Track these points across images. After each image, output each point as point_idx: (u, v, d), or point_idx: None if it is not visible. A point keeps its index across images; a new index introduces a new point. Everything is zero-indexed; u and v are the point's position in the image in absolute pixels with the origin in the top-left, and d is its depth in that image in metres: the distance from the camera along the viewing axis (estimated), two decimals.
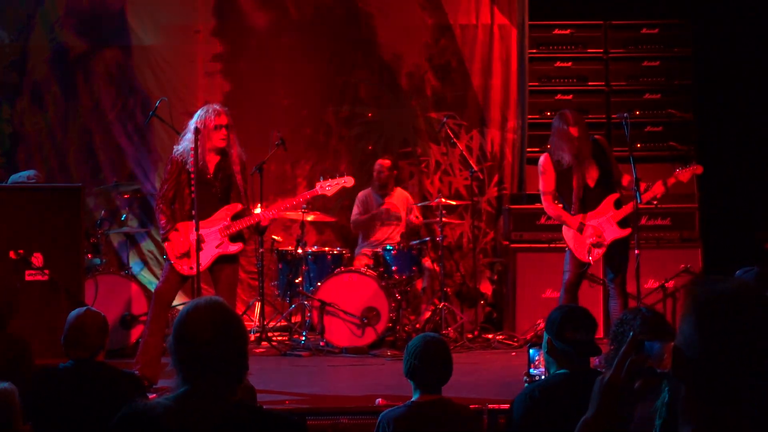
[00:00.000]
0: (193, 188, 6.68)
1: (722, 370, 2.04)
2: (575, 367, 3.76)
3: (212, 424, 2.61)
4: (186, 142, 6.83)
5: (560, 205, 7.43)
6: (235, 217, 6.85)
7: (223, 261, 6.87)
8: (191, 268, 6.81)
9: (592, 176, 7.31)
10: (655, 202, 8.88)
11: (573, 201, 7.30)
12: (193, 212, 6.61)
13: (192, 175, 6.69)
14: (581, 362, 3.78)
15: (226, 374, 2.67)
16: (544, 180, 7.35)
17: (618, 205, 7.32)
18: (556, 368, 3.81)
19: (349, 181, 7.25)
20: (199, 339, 2.67)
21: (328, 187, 7.19)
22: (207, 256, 6.77)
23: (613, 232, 7.27)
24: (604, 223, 7.28)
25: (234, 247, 6.86)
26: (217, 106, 6.88)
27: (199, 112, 6.87)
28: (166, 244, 6.89)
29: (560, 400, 3.65)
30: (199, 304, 2.75)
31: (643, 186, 7.22)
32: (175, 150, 6.94)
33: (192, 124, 6.79)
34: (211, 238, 6.78)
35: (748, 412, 2.04)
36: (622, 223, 7.31)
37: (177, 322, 2.72)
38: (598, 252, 7.25)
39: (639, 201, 7.22)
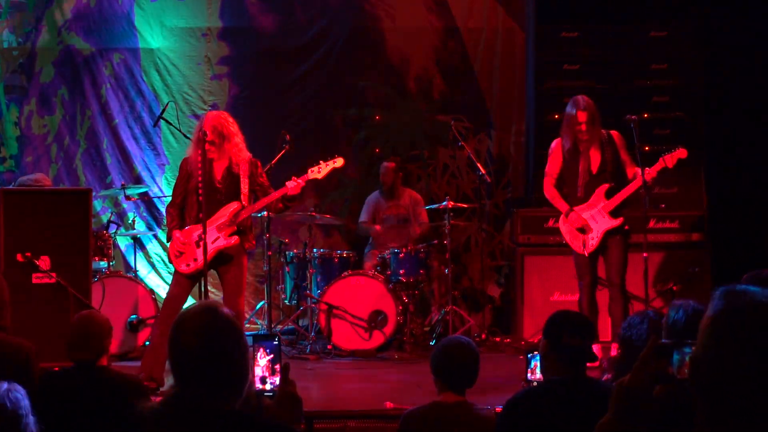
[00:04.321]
0: (200, 192, 6.72)
1: (743, 383, 2.00)
2: (570, 373, 3.73)
3: (192, 429, 2.59)
4: (189, 149, 6.99)
5: (557, 190, 7.58)
6: (235, 215, 6.86)
7: (227, 262, 6.87)
8: (188, 265, 6.88)
9: (595, 163, 7.40)
10: (662, 206, 8.88)
11: (578, 185, 7.40)
12: (201, 215, 6.67)
13: (200, 181, 6.75)
14: (577, 369, 3.76)
15: (212, 381, 2.63)
16: (549, 161, 7.60)
17: (609, 194, 7.34)
18: (551, 373, 3.80)
19: (339, 162, 7.23)
20: (186, 345, 2.65)
21: (318, 170, 7.17)
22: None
23: (605, 223, 7.32)
24: (596, 215, 7.33)
25: (232, 240, 6.85)
26: (212, 113, 6.96)
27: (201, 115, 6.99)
28: (170, 243, 6.98)
29: (552, 405, 3.64)
30: (192, 309, 2.73)
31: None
32: (186, 156, 7.06)
33: (195, 134, 6.92)
34: (209, 236, 6.82)
35: (763, 427, 2.00)
36: (614, 213, 7.34)
37: (172, 327, 2.71)
38: (593, 243, 7.30)
39: (647, 205, 7.25)
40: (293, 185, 6.89)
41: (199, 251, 6.79)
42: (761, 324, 2.00)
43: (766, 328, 1.99)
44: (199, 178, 6.78)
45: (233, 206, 6.87)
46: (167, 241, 7.10)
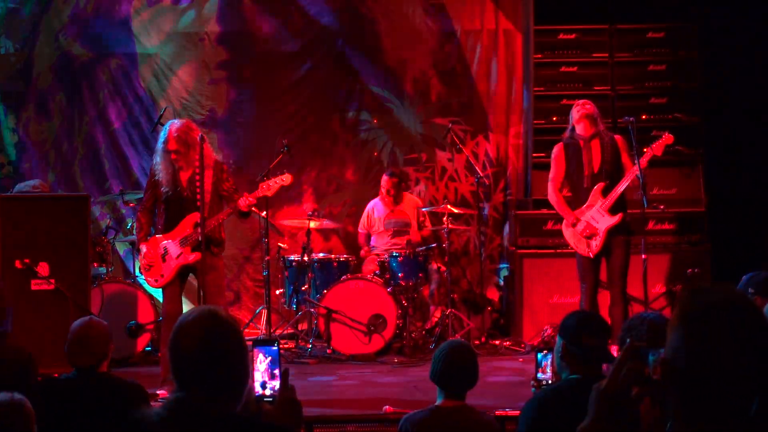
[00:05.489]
0: (198, 196, 6.75)
1: (709, 382, 2.04)
2: (588, 372, 3.74)
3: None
4: (158, 158, 7.05)
5: (562, 196, 7.62)
6: (195, 226, 6.90)
7: (203, 269, 6.87)
8: (156, 281, 7.06)
9: (596, 161, 7.43)
10: (662, 207, 8.87)
11: (584, 175, 7.44)
12: (199, 219, 6.70)
13: (198, 187, 6.78)
14: (594, 368, 3.77)
15: (213, 385, 2.64)
16: (552, 167, 7.63)
17: (605, 192, 7.36)
18: (569, 373, 3.79)
19: (287, 179, 7.29)
20: (186, 350, 2.66)
21: (268, 187, 7.23)
22: (169, 268, 6.99)
23: (606, 221, 7.34)
24: (596, 215, 7.35)
25: (192, 257, 6.92)
26: (176, 125, 7.00)
27: (165, 126, 7.07)
28: (139, 255, 7.07)
29: (572, 405, 3.62)
30: (191, 315, 2.73)
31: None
32: (153, 162, 7.16)
33: (160, 143, 7.03)
34: (174, 249, 6.97)
35: (735, 425, 2.03)
36: (613, 210, 7.36)
37: (172, 332, 2.72)
38: (596, 244, 7.33)
39: (645, 205, 7.25)
40: (245, 202, 6.98)
41: (165, 266, 7.00)
42: (723, 322, 2.04)
43: (729, 327, 2.04)
44: (197, 184, 6.80)
45: (194, 218, 6.91)
46: (136, 255, 7.23)
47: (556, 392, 3.75)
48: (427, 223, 9.39)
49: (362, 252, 9.35)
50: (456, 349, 4.25)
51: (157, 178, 7.03)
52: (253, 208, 7.20)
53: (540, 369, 4.68)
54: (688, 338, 2.06)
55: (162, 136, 6.99)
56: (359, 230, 9.52)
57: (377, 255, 9.01)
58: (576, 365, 3.76)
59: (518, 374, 7.48)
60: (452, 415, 4.12)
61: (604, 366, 3.97)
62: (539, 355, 4.72)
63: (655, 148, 7.37)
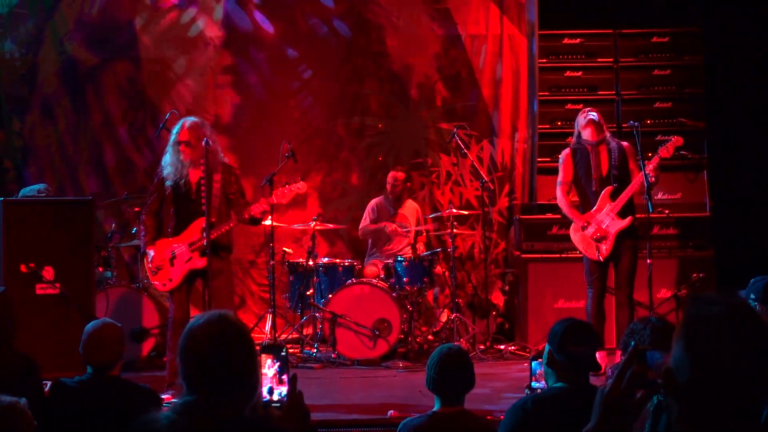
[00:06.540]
0: (203, 200, 6.74)
1: (711, 394, 2.06)
2: (574, 381, 3.72)
3: None
4: (167, 156, 7.01)
5: (570, 200, 7.64)
6: (203, 230, 6.86)
7: (211, 273, 6.86)
8: (164, 285, 7.02)
9: (604, 165, 7.47)
10: (666, 211, 8.86)
11: (593, 179, 7.48)
12: (203, 224, 6.70)
13: (203, 189, 6.76)
14: (580, 377, 3.74)
15: (223, 389, 2.66)
16: (561, 171, 7.66)
17: (614, 196, 7.37)
18: (555, 381, 3.78)
19: (302, 187, 7.23)
20: (197, 354, 2.68)
21: (283, 194, 7.16)
22: (178, 272, 6.96)
23: (615, 225, 7.37)
24: (605, 218, 7.37)
25: (200, 262, 6.87)
26: (190, 120, 7.00)
27: (179, 122, 7.05)
28: (145, 259, 7.06)
29: (555, 413, 3.61)
30: (202, 319, 2.75)
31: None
32: (162, 163, 7.11)
33: (171, 137, 6.99)
34: (182, 255, 6.96)
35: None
36: (622, 214, 7.39)
37: (182, 335, 2.73)
38: (606, 248, 7.34)
39: (651, 210, 7.25)
40: (259, 208, 6.93)
41: (174, 270, 6.96)
42: (724, 334, 2.08)
43: (729, 339, 2.08)
44: (203, 188, 6.79)
45: (203, 222, 6.87)
46: (141, 259, 7.21)
47: (539, 400, 3.74)
48: (425, 228, 9.38)
49: (388, 229, 9.19)
50: (447, 354, 4.20)
51: (164, 174, 6.97)
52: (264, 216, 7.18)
53: (534, 377, 4.66)
54: (692, 349, 2.09)
55: (175, 130, 6.95)
56: (362, 225, 9.43)
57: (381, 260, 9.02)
58: (562, 373, 3.74)
59: (523, 379, 7.46)
60: (450, 420, 4.09)
61: (611, 371, 3.95)
62: (533, 363, 4.70)
63: (663, 151, 7.38)
